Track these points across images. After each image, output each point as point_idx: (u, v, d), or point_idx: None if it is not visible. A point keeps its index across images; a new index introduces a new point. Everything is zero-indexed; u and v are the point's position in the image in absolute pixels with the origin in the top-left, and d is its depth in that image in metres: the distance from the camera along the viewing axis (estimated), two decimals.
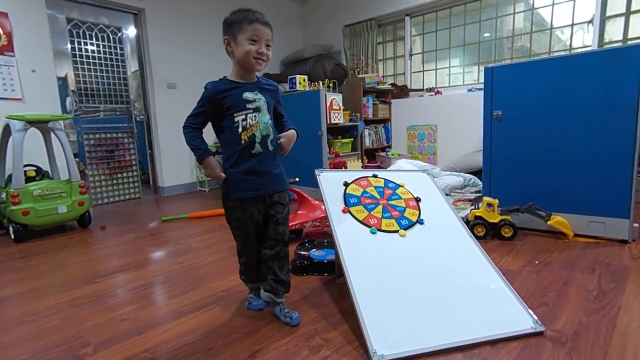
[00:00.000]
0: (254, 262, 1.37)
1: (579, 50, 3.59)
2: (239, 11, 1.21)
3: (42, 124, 2.73)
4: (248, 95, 1.24)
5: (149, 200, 4.04)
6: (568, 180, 2.14)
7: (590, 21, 3.46)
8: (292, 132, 1.36)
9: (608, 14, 3.39)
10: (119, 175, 3.97)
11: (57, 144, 2.80)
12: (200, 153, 1.25)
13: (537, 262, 1.81)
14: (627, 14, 3.29)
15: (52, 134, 2.80)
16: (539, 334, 1.19)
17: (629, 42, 3.26)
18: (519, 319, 1.22)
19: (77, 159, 3.41)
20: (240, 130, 1.23)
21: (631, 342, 1.14)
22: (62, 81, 4.44)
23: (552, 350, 1.11)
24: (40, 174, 2.91)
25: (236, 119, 1.23)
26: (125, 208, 3.65)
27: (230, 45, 1.23)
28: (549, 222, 2.11)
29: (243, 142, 1.23)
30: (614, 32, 3.41)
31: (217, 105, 1.23)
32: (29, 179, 2.72)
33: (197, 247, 2.29)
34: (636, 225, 2.02)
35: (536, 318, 1.22)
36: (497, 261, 1.81)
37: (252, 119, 1.24)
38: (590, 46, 3.49)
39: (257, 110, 1.25)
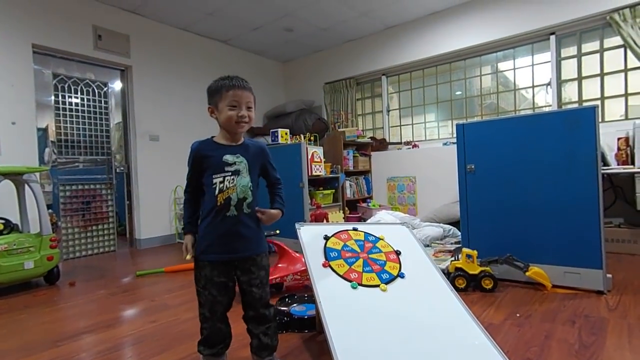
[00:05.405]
0: (217, 329, 1.29)
1: (542, 108, 3.89)
2: (219, 79, 1.28)
3: (16, 176, 2.67)
4: (228, 157, 1.26)
5: (124, 253, 3.88)
6: (540, 231, 2.21)
7: (549, 84, 3.80)
8: (276, 212, 1.34)
9: (563, 78, 3.74)
10: (94, 227, 3.83)
11: (30, 196, 2.71)
12: (183, 226, 1.33)
13: (518, 314, 1.81)
14: (579, 79, 3.64)
15: (25, 186, 2.73)
16: None
17: (584, 104, 3.57)
18: None
19: (50, 211, 3.29)
20: (216, 192, 1.24)
21: None
22: (42, 132, 4.42)
23: None
24: (9, 227, 2.78)
25: (214, 181, 1.25)
26: (99, 262, 3.48)
27: (214, 112, 1.30)
28: (527, 273, 2.14)
29: (219, 204, 1.24)
30: (572, 92, 3.74)
31: (199, 165, 1.28)
32: None
33: (172, 304, 2.18)
34: (609, 275, 2.08)
35: None
36: (479, 314, 1.80)
37: (229, 182, 1.25)
38: (551, 105, 3.80)
39: (236, 173, 1.26)
